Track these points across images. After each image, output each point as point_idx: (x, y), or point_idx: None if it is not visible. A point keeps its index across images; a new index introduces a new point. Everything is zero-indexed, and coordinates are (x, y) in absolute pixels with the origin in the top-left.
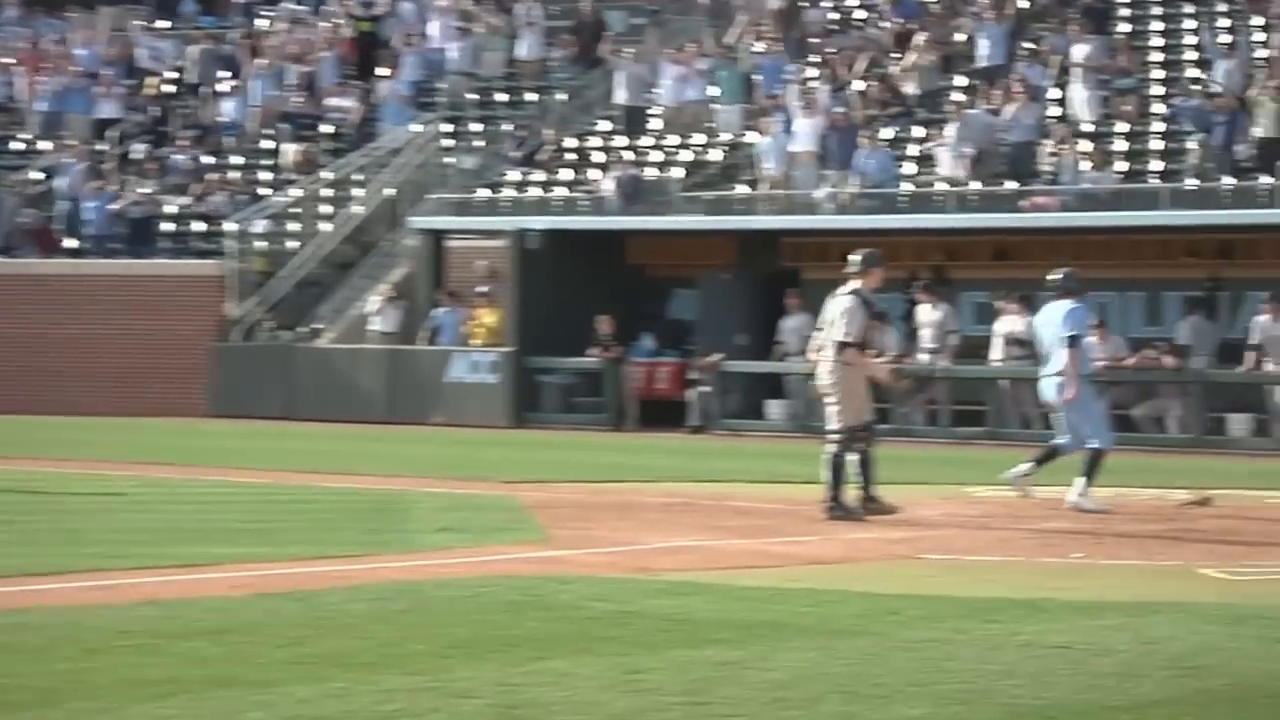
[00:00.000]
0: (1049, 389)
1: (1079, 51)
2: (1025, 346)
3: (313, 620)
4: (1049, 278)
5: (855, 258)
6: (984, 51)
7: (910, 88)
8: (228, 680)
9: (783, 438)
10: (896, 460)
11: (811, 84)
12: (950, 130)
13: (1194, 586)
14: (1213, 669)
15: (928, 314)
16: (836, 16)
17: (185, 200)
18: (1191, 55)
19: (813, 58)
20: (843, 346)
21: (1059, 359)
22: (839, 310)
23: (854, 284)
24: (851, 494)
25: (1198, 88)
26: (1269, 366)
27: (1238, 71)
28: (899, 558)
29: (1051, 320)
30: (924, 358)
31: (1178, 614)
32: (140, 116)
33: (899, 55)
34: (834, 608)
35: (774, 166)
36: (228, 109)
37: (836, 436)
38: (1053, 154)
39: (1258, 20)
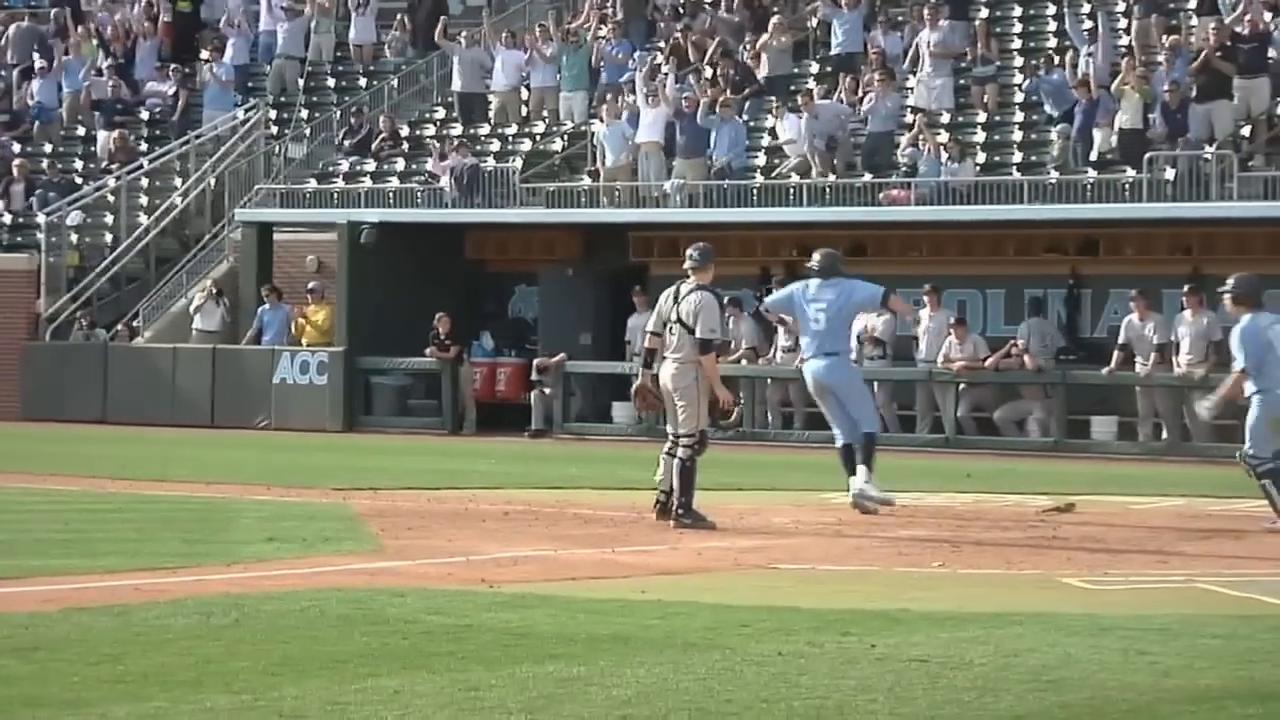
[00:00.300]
0: (826, 371)
1: (933, 37)
2: (880, 346)
3: (130, 636)
4: (815, 255)
5: (694, 253)
6: (839, 38)
7: (762, 72)
8: (37, 700)
9: (629, 442)
10: (748, 465)
11: (659, 70)
12: (803, 120)
13: (1056, 596)
14: (1074, 682)
15: None
16: None
17: None
18: (1053, 42)
19: (660, 43)
20: (707, 345)
21: (836, 340)
22: (692, 307)
23: (695, 279)
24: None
25: (1059, 67)
26: (1138, 367)
27: (1100, 58)
28: (750, 568)
29: (822, 299)
30: (780, 356)
31: (1039, 625)
32: None
33: (752, 40)
34: (683, 620)
35: (619, 156)
36: (39, 93)
37: (688, 440)
38: (910, 145)
39: (1120, 5)
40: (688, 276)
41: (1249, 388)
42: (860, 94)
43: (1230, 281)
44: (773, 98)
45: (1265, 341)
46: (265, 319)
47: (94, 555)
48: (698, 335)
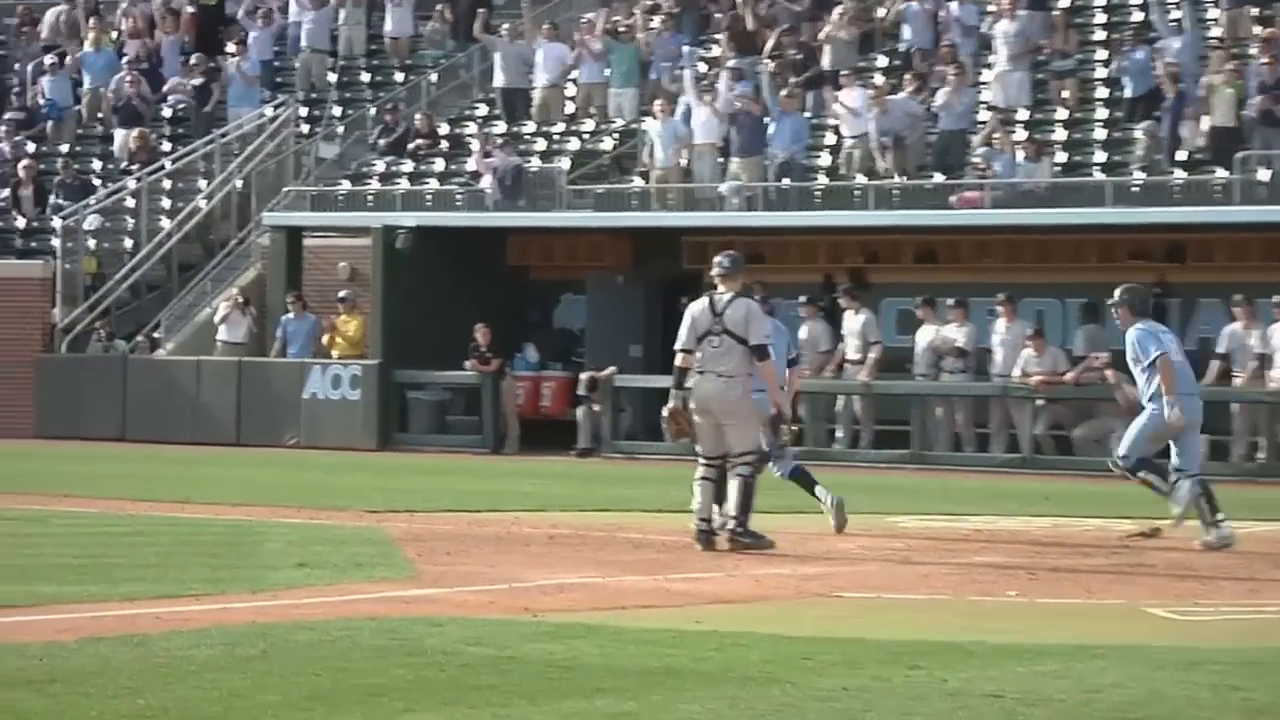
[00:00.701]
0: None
1: (1011, 28)
2: (963, 357)
3: (151, 668)
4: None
5: (725, 260)
6: (908, 34)
7: (825, 64)
8: None
9: (682, 461)
10: None
11: (715, 63)
12: (872, 115)
13: (1141, 628)
14: None
15: (850, 321)
16: None
17: (5, 193)
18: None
19: (716, 35)
20: (764, 351)
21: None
22: (740, 316)
23: (727, 288)
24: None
25: (1144, 44)
26: (1236, 381)
27: (1189, 52)
28: (812, 596)
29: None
30: (850, 370)
31: (1123, 658)
32: None
33: (815, 30)
34: (740, 652)
35: (671, 156)
36: (51, 90)
37: (750, 458)
38: (984, 144)
39: None
40: (714, 286)
41: (1144, 394)
42: (930, 90)
43: (1118, 293)
44: (839, 89)
45: (1165, 343)
46: (290, 330)
47: (113, 582)
48: (752, 342)
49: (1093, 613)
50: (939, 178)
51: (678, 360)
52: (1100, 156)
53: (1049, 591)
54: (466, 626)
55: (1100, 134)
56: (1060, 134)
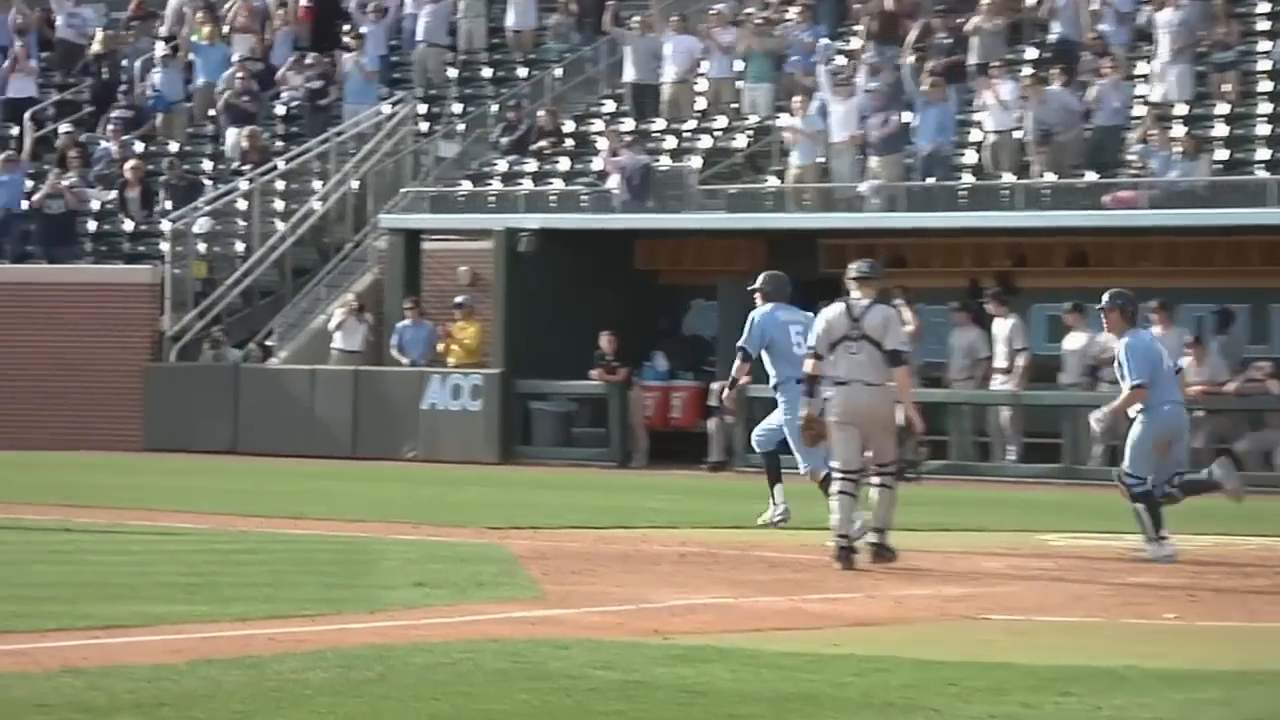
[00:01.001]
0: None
1: (1174, 18)
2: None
3: (263, 691)
4: (763, 278)
5: (865, 266)
6: (1059, 25)
7: (972, 58)
8: None
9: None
10: (954, 502)
11: (853, 56)
12: (1029, 111)
13: None
14: None
15: (997, 327)
16: None
17: (113, 194)
18: None
19: (856, 26)
20: (899, 356)
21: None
22: (880, 321)
23: (863, 292)
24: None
25: None
26: None
27: None
28: (957, 618)
29: (797, 320)
30: (999, 379)
31: None
32: (60, 96)
33: (961, 20)
34: (881, 677)
35: (808, 154)
36: (164, 83)
37: (893, 468)
38: (1140, 141)
39: None
40: (847, 291)
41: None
42: (1080, 83)
43: (1106, 298)
44: (990, 80)
45: (1156, 355)
46: (405, 337)
47: (223, 601)
48: (888, 347)
49: (1256, 637)
50: (1091, 176)
51: (807, 366)
52: (1264, 153)
53: (1209, 614)
54: (593, 649)
55: (1263, 129)
56: (1220, 130)
